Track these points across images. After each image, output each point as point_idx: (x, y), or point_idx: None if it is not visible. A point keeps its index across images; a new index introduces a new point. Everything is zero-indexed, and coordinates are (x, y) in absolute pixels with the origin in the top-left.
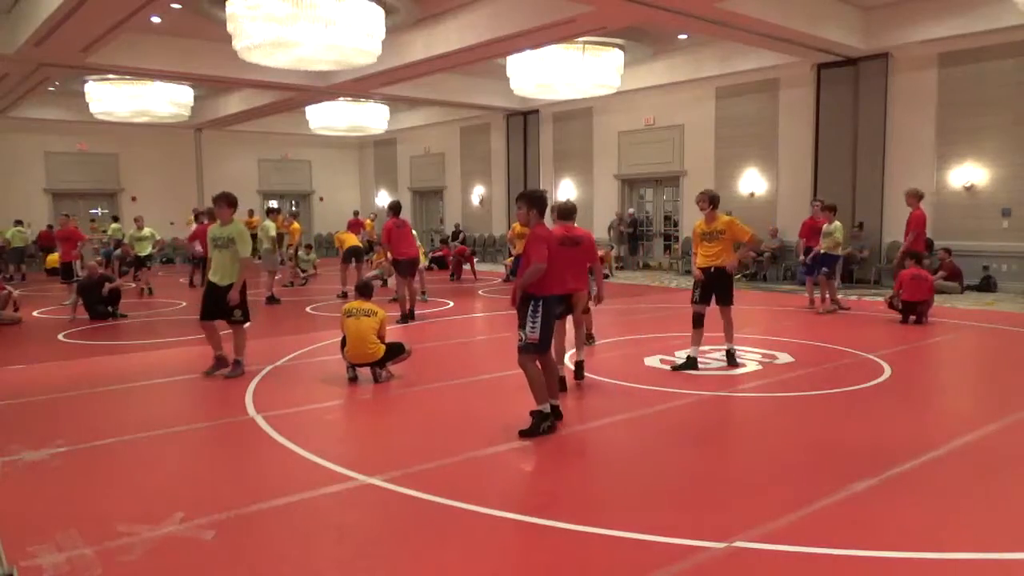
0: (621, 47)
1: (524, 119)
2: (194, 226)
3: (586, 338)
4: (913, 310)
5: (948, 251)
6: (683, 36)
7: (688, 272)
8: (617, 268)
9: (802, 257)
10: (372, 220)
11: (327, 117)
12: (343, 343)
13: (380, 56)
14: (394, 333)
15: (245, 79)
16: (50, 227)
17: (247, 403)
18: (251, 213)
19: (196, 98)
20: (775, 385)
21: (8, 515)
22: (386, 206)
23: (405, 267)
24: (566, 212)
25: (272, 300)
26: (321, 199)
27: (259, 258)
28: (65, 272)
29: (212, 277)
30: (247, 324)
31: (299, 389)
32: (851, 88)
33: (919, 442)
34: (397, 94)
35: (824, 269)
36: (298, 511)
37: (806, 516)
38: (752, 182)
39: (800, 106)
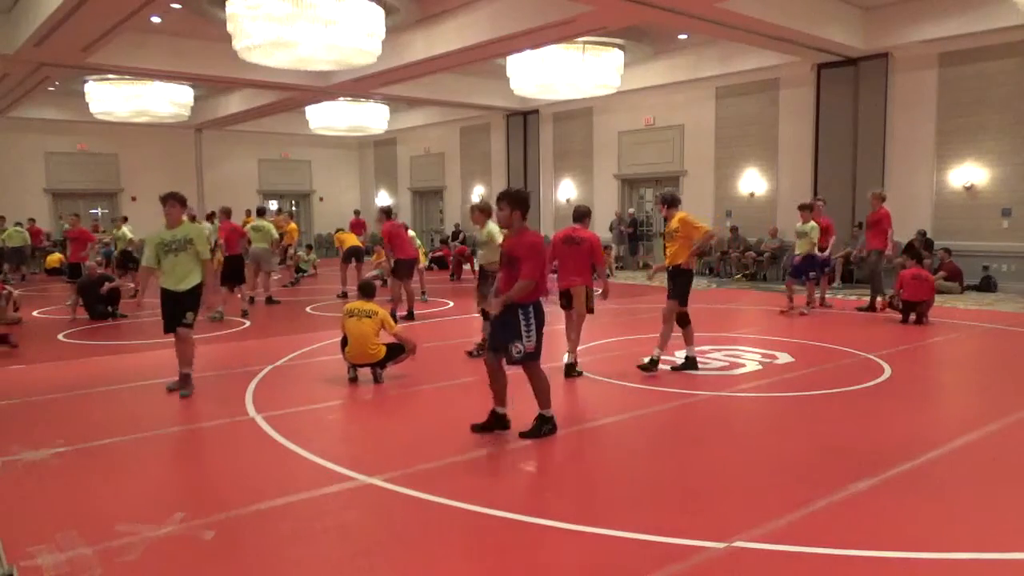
0: (621, 47)
1: (524, 119)
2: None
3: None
4: (913, 309)
5: (948, 251)
6: (683, 36)
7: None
8: (617, 268)
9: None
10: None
11: (327, 117)
12: (343, 343)
13: (380, 56)
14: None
15: (245, 79)
16: (32, 221)
17: (247, 403)
18: (248, 213)
19: (196, 98)
20: (775, 385)
21: (8, 515)
22: (380, 209)
23: (405, 268)
24: (579, 215)
25: (271, 301)
26: (321, 199)
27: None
28: (72, 272)
29: (167, 284)
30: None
31: (299, 389)
32: (851, 88)
33: (919, 442)
34: (397, 94)
35: (812, 273)
36: (298, 511)
37: (806, 516)
38: (752, 182)
39: (800, 106)
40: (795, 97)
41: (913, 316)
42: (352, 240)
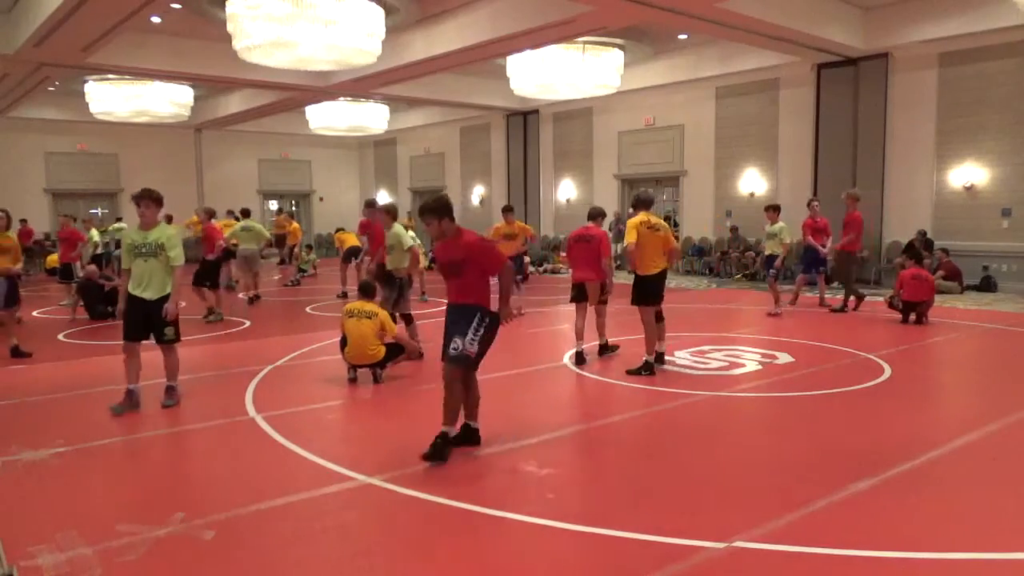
0: (621, 47)
1: (524, 119)
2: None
3: (601, 348)
4: (913, 309)
5: (946, 251)
6: (683, 36)
7: (688, 272)
8: (616, 268)
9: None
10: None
11: (327, 117)
12: (342, 343)
13: (380, 56)
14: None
15: (245, 79)
16: (24, 222)
17: (247, 403)
18: (229, 214)
19: (196, 98)
20: (775, 385)
21: (8, 515)
22: (383, 208)
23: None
24: (593, 215)
25: (255, 299)
26: (321, 199)
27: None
28: (64, 272)
29: (135, 290)
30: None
31: (299, 389)
32: (851, 88)
33: (919, 442)
34: (397, 94)
35: (771, 271)
36: (298, 511)
37: (806, 516)
38: (752, 182)
39: (800, 106)
40: (795, 97)
41: (913, 316)
42: (352, 240)
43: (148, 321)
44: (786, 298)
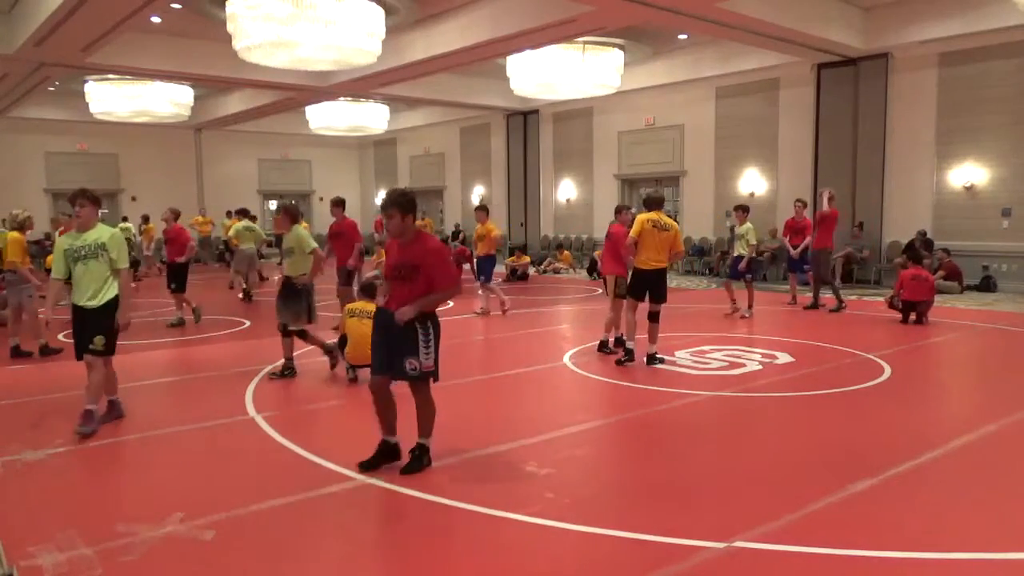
0: (621, 47)
1: (524, 119)
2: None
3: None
4: (913, 309)
5: (947, 251)
6: (683, 36)
7: (688, 272)
8: None
9: (793, 252)
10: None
11: (327, 117)
12: (342, 343)
13: (380, 56)
14: None
15: (245, 79)
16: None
17: (247, 403)
18: (229, 215)
19: (196, 98)
20: (775, 385)
21: (8, 515)
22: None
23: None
24: (616, 211)
25: (249, 297)
26: (321, 199)
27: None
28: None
29: (76, 298)
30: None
31: (299, 389)
32: (851, 88)
33: (919, 442)
34: (397, 94)
35: (747, 274)
36: (298, 511)
37: (806, 516)
38: (752, 182)
39: (800, 106)
40: (795, 97)
41: (913, 316)
42: None
43: (93, 331)
44: (786, 299)
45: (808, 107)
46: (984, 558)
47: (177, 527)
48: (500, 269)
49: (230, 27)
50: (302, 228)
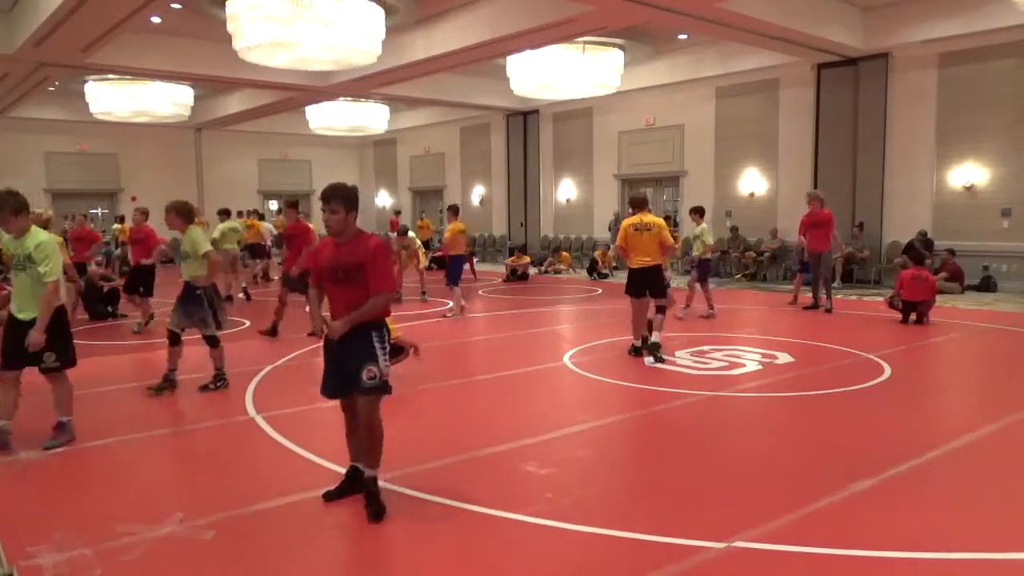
0: (621, 47)
1: (524, 119)
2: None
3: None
4: (913, 309)
5: (951, 252)
6: (683, 36)
7: (687, 272)
8: (614, 268)
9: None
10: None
11: (327, 117)
12: None
13: (380, 56)
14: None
15: (245, 79)
16: None
17: (247, 403)
18: (240, 214)
19: (196, 98)
20: (775, 385)
21: (8, 515)
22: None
23: (296, 281)
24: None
25: (229, 299)
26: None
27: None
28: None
29: (12, 307)
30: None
31: (299, 389)
32: (851, 88)
33: (919, 442)
34: (397, 94)
35: (702, 275)
36: (298, 511)
37: (806, 516)
38: (752, 182)
39: (800, 106)
40: (795, 97)
41: (913, 316)
42: None
43: (22, 345)
44: (786, 299)
45: (808, 107)
46: (984, 558)
47: (177, 527)
48: (501, 269)
49: (230, 27)
50: (197, 229)
